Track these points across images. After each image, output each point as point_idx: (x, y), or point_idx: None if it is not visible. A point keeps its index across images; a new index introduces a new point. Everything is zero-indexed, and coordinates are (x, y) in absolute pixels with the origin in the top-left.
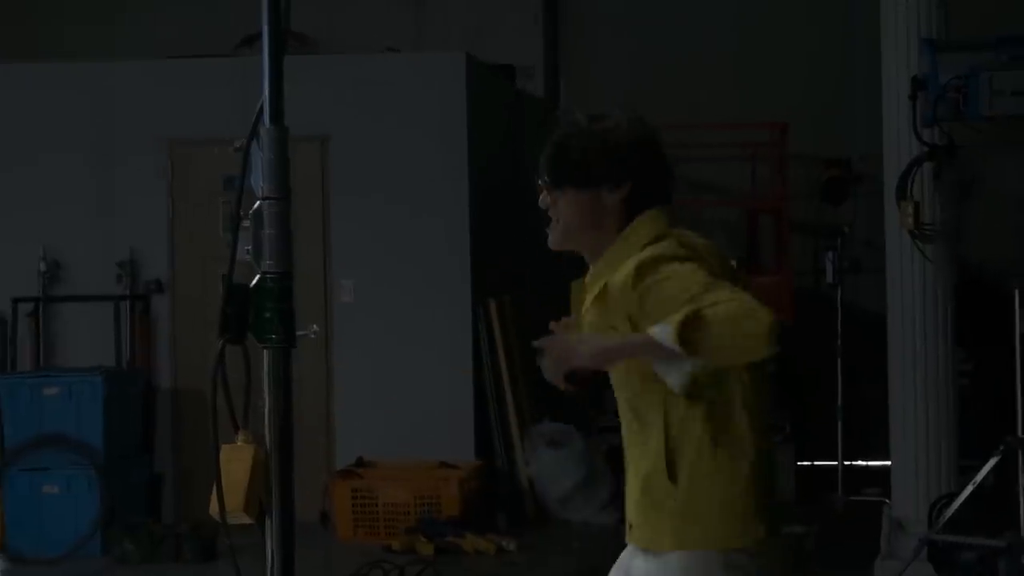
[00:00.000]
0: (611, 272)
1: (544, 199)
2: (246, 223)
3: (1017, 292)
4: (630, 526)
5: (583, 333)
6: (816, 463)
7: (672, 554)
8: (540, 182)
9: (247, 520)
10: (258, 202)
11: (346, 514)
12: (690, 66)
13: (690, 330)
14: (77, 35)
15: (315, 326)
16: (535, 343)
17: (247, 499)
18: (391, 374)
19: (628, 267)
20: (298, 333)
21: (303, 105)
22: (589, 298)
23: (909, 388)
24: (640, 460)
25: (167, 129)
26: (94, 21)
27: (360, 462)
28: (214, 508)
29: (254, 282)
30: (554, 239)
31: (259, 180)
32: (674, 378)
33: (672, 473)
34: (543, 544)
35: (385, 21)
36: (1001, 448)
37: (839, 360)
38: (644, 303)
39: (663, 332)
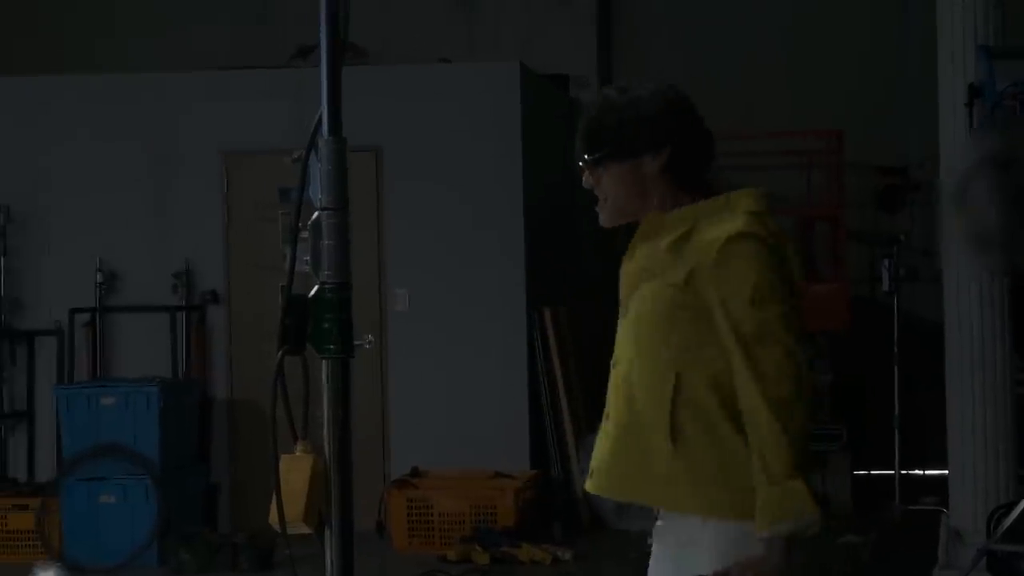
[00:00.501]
0: (701, 220)
1: (587, 179)
2: (304, 234)
3: None
4: (592, 473)
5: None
6: (873, 472)
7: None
8: (580, 163)
9: (306, 530)
10: (316, 213)
11: (401, 524)
12: (743, 74)
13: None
14: (134, 48)
15: (370, 336)
16: None
17: (306, 509)
18: (446, 383)
19: (726, 229)
20: (354, 343)
21: (356, 115)
22: (670, 237)
23: (967, 396)
24: (630, 409)
25: (222, 140)
26: (150, 34)
27: (415, 472)
28: (273, 518)
29: (313, 293)
30: (606, 217)
31: (317, 191)
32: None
33: (673, 435)
34: (598, 554)
35: (437, 31)
36: None
37: (896, 368)
38: (719, 266)
39: (796, 517)
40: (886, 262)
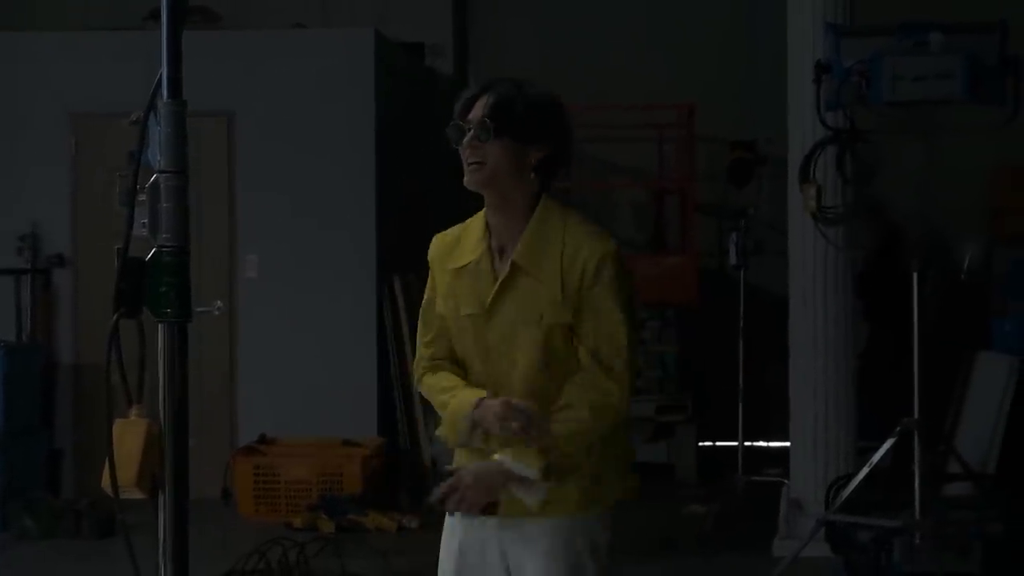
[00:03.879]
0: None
1: (470, 138)
2: (142, 197)
3: (916, 275)
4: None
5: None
6: (718, 443)
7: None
8: (472, 124)
9: (139, 495)
10: (155, 175)
11: (248, 491)
12: (597, 46)
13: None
14: None
15: (219, 302)
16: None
17: (139, 474)
18: (295, 350)
19: (597, 249)
20: (202, 309)
21: (208, 80)
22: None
23: (809, 370)
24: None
25: (72, 102)
26: None
27: (263, 439)
28: (106, 482)
29: (149, 256)
30: (479, 178)
31: (156, 154)
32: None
33: None
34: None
35: None
36: (898, 429)
37: (741, 341)
38: (594, 287)
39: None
40: (734, 235)
